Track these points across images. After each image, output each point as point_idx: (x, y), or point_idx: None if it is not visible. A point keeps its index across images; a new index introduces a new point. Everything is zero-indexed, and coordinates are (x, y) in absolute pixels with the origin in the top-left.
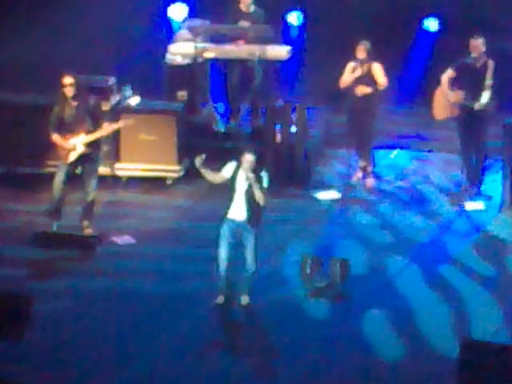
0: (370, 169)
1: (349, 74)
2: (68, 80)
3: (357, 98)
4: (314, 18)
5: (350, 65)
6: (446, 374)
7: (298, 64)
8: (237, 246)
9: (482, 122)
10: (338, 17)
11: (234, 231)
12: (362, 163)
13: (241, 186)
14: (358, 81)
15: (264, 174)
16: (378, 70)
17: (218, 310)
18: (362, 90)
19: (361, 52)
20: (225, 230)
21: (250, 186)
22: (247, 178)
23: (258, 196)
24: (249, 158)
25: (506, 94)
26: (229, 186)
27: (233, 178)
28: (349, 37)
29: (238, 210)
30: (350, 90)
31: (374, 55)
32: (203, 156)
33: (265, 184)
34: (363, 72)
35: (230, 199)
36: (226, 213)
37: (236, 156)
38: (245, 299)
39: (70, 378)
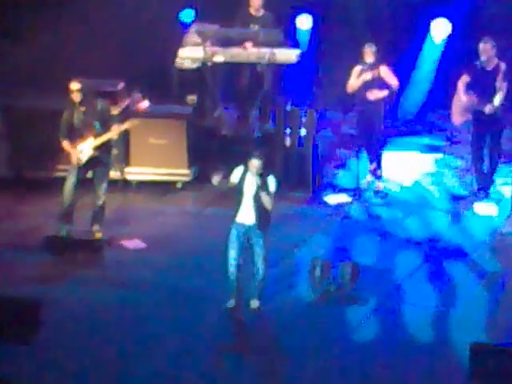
0: (380, 172)
1: (356, 78)
2: (75, 86)
3: (368, 102)
4: (323, 21)
5: (357, 68)
6: (457, 377)
7: (308, 67)
8: (247, 250)
9: (495, 126)
10: (348, 20)
11: (242, 235)
12: (372, 166)
13: (249, 190)
14: (369, 85)
15: (271, 179)
16: (387, 73)
17: (228, 314)
18: (376, 94)
19: (368, 55)
20: (233, 234)
21: (257, 191)
22: (254, 183)
23: (265, 200)
24: (255, 164)
25: None
26: (237, 190)
27: (241, 183)
28: (358, 40)
29: (246, 214)
30: (359, 94)
31: (380, 58)
32: (221, 174)
33: (271, 188)
34: (373, 76)
35: (239, 203)
36: (235, 217)
37: (244, 160)
38: (254, 303)
39: (74, 381)
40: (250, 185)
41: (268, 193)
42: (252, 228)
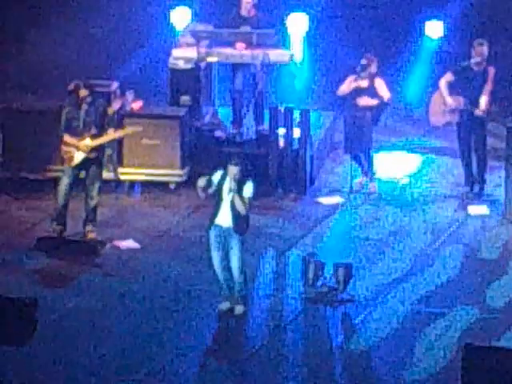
0: (372, 173)
1: (349, 84)
2: (84, 93)
3: (358, 108)
4: (318, 20)
5: (352, 76)
6: (448, 379)
7: (302, 68)
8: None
9: (482, 127)
10: (343, 20)
11: (219, 237)
12: (364, 167)
13: (226, 194)
14: (362, 91)
15: (248, 185)
16: (380, 85)
17: (220, 316)
18: (367, 101)
19: (367, 64)
20: (211, 236)
21: (234, 195)
22: (232, 188)
23: (238, 205)
24: (233, 171)
25: (509, 96)
26: (216, 193)
27: (219, 186)
28: (354, 41)
29: (224, 216)
30: (351, 99)
31: (377, 68)
32: (205, 179)
33: (247, 194)
34: (368, 84)
35: (217, 206)
36: (213, 219)
37: (225, 164)
38: (238, 309)
39: (70, 382)
40: (228, 189)
41: (242, 198)
42: (229, 230)
